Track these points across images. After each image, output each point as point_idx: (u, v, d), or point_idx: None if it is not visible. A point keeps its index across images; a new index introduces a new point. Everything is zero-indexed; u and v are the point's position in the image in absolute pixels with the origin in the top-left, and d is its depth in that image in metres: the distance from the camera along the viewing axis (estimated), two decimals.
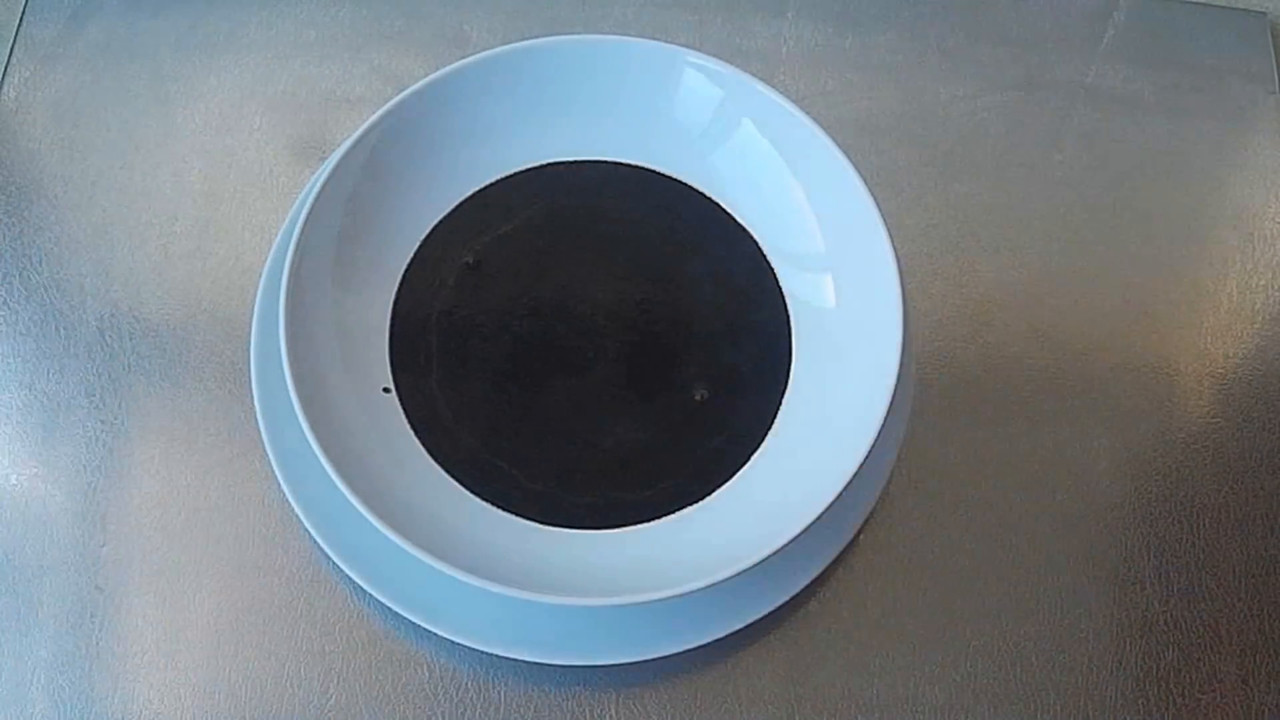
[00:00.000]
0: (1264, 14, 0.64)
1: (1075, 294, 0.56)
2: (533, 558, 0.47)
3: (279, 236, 0.53)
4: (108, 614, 0.49)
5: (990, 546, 0.52)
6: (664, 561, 0.47)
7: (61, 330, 0.54)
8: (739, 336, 0.52)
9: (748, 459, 0.49)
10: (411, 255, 0.52)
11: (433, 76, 0.52)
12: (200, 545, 0.50)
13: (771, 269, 0.53)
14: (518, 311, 0.52)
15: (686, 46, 0.53)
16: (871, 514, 0.50)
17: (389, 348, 0.51)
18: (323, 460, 0.45)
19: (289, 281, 0.48)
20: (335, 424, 0.47)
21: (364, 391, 0.49)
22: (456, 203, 0.53)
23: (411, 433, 0.49)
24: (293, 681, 0.48)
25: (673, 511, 0.49)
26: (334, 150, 0.52)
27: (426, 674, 0.49)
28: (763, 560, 0.44)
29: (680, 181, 0.54)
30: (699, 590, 0.44)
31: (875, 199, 0.50)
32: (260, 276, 0.52)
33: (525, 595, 0.44)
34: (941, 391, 0.54)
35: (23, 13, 0.60)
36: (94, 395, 0.53)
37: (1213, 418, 0.55)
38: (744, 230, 0.53)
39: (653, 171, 0.54)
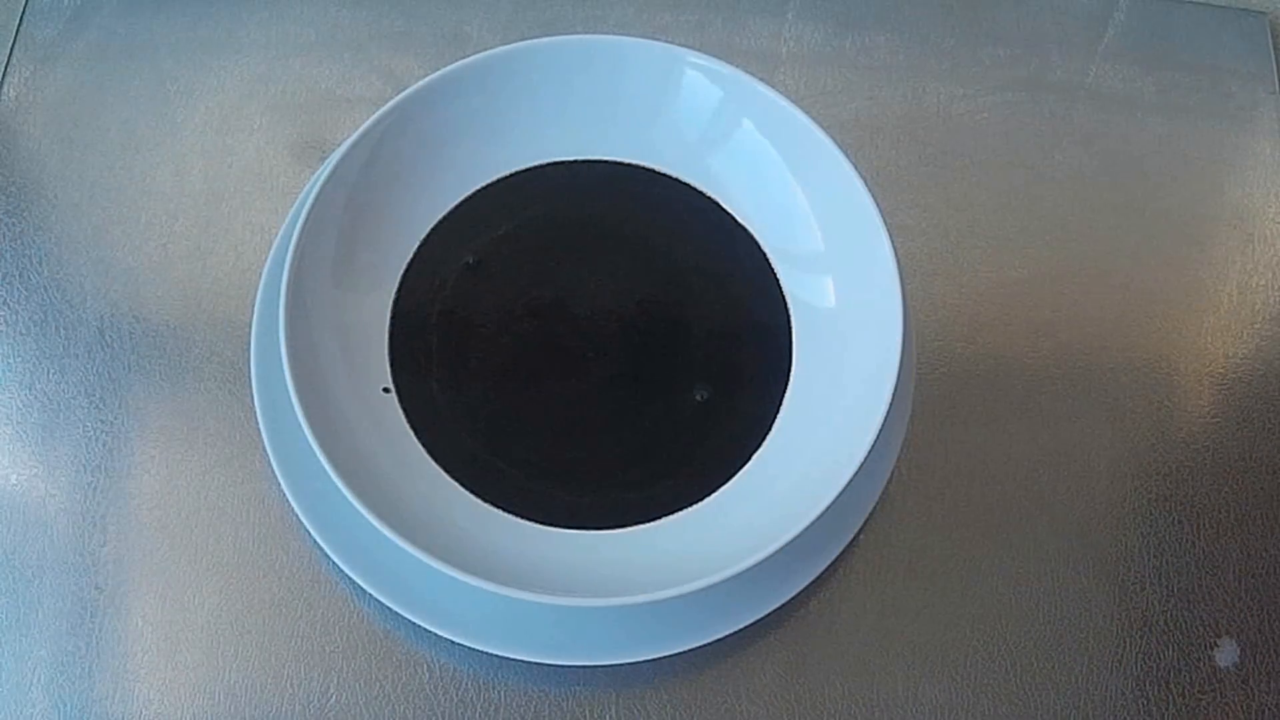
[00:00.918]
0: (1264, 14, 0.64)
1: (1075, 294, 0.56)
2: (533, 558, 0.47)
3: (279, 236, 0.53)
4: (108, 614, 0.49)
5: (990, 546, 0.52)
6: (664, 562, 0.47)
7: (61, 330, 0.54)
8: (739, 336, 0.52)
9: (748, 459, 0.49)
10: (411, 255, 0.52)
11: (433, 76, 0.52)
12: (200, 545, 0.50)
13: (771, 269, 0.53)
14: (518, 311, 0.52)
15: (686, 46, 0.53)
16: (871, 514, 0.50)
17: (389, 348, 0.51)
18: (323, 460, 0.45)
19: (289, 281, 0.48)
20: (335, 424, 0.47)
21: (364, 391, 0.49)
22: (456, 203, 0.53)
23: (411, 433, 0.49)
24: (293, 681, 0.48)
25: (673, 512, 0.49)
26: (334, 150, 0.52)
27: (426, 674, 0.49)
28: (763, 560, 0.44)
29: (680, 181, 0.54)
30: (699, 590, 0.44)
31: (875, 199, 0.50)
32: (260, 276, 0.52)
33: (525, 596, 0.44)
34: (941, 391, 0.54)
35: (23, 13, 0.60)
36: (94, 395, 0.53)
37: (1213, 418, 0.55)
38: (744, 230, 0.53)
39: (653, 171, 0.54)
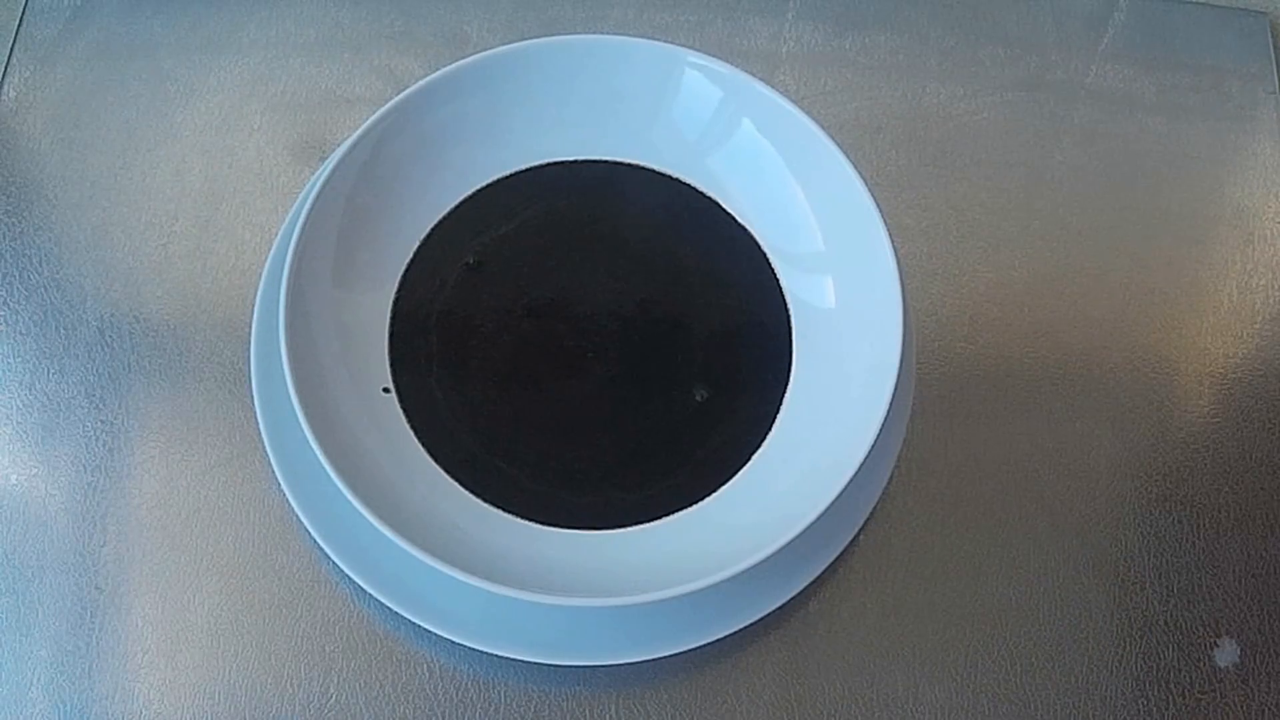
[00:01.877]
0: (1264, 14, 0.64)
1: (1075, 294, 0.56)
2: (532, 558, 0.47)
3: (279, 236, 0.53)
4: (108, 614, 0.49)
5: (990, 546, 0.52)
6: (664, 562, 0.47)
7: (61, 330, 0.54)
8: (739, 336, 0.52)
9: (748, 459, 0.49)
10: (411, 255, 0.52)
11: (433, 76, 0.52)
12: (200, 545, 0.50)
13: (771, 269, 0.53)
14: (518, 311, 0.52)
15: (686, 46, 0.53)
16: (871, 514, 0.50)
17: (389, 348, 0.51)
18: (322, 460, 0.45)
19: (289, 281, 0.48)
20: (335, 424, 0.47)
21: (364, 391, 0.49)
22: (456, 203, 0.53)
23: (411, 433, 0.49)
24: (293, 681, 0.48)
25: (673, 512, 0.49)
26: (334, 150, 0.52)
27: (426, 674, 0.49)
28: (763, 560, 0.44)
29: (680, 181, 0.54)
30: (699, 590, 0.44)
31: (875, 199, 0.50)
32: (260, 276, 0.52)
33: (526, 596, 0.44)
34: (941, 391, 0.54)
35: (23, 13, 0.60)
36: (94, 395, 0.53)
37: (1213, 417, 0.55)
38: (744, 230, 0.53)
39: (653, 171, 0.54)
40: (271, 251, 0.52)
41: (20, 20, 0.60)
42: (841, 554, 0.49)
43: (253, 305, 0.51)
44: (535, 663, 0.48)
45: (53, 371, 0.53)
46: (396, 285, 0.52)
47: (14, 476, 0.51)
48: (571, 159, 0.54)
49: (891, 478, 0.51)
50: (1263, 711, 0.49)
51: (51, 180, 0.57)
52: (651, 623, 0.48)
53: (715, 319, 0.52)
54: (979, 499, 0.52)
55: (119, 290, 0.55)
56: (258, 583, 0.50)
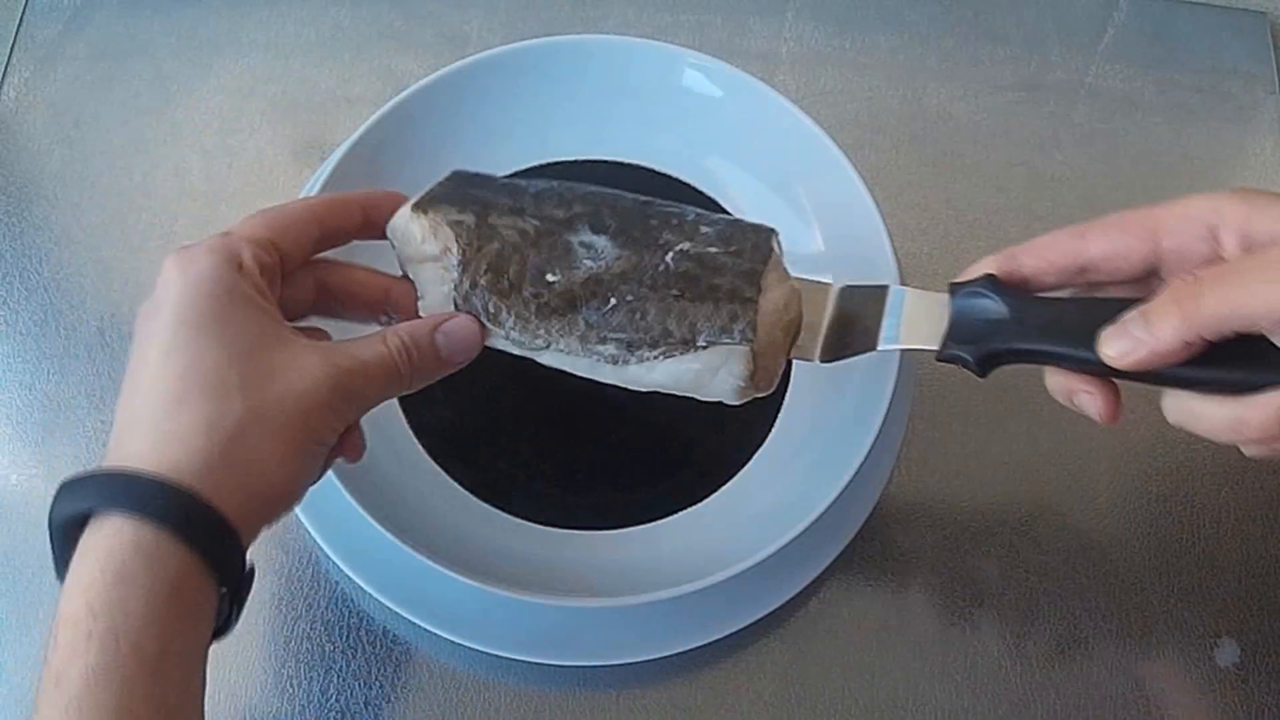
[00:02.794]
0: (1264, 14, 0.64)
1: None
2: (533, 558, 0.47)
3: None
4: None
5: (990, 546, 0.52)
6: (664, 562, 0.47)
7: (61, 330, 0.54)
8: None
9: (748, 459, 0.49)
10: None
11: (433, 76, 0.52)
12: None
13: None
14: None
15: (686, 46, 0.53)
16: (871, 514, 0.50)
17: None
18: None
19: None
20: None
21: None
22: None
23: (412, 433, 0.49)
24: (293, 681, 0.48)
25: (673, 512, 0.49)
26: (334, 150, 0.52)
27: (426, 674, 0.49)
28: (763, 560, 0.44)
29: (680, 181, 0.54)
30: (699, 590, 0.44)
31: (875, 199, 0.50)
32: None
33: (526, 596, 0.44)
34: (941, 391, 0.54)
35: (23, 13, 0.60)
36: (94, 395, 0.53)
37: None
38: None
39: (653, 171, 0.54)
40: None
41: (20, 20, 0.60)
42: (841, 554, 0.49)
43: None
44: (535, 663, 0.48)
45: (53, 371, 0.53)
46: None
47: (14, 476, 0.51)
48: (571, 159, 0.54)
49: (891, 478, 0.51)
50: (1263, 711, 0.49)
51: (51, 180, 0.57)
52: (651, 623, 0.48)
53: None
54: (979, 499, 0.52)
55: (119, 290, 0.55)
56: (258, 583, 0.49)
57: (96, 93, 0.59)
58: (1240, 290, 0.34)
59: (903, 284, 0.48)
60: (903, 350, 0.42)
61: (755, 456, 0.49)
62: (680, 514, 0.49)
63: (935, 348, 0.40)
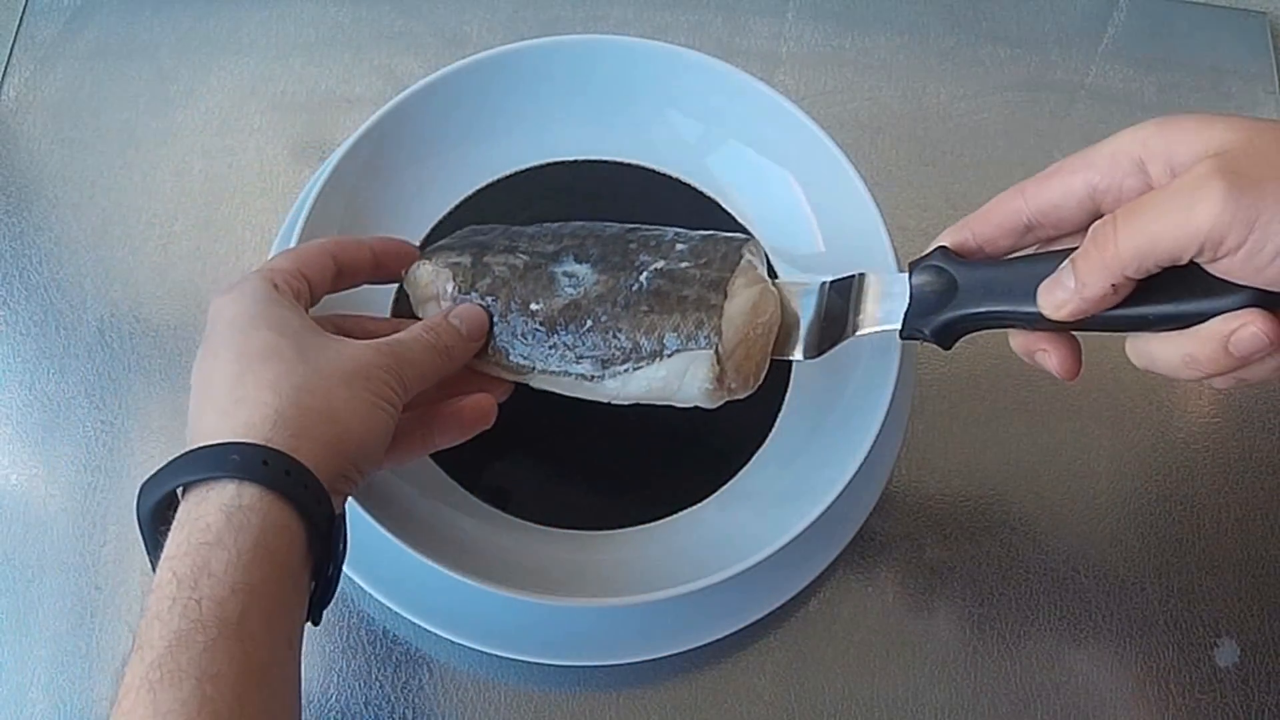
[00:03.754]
0: (1264, 14, 0.64)
1: None
2: (533, 558, 0.47)
3: (279, 237, 0.53)
4: (108, 614, 0.49)
5: (990, 546, 0.52)
6: (664, 562, 0.47)
7: (61, 330, 0.54)
8: None
9: (748, 459, 0.49)
10: None
11: (433, 76, 0.52)
12: None
13: (772, 269, 0.53)
14: None
15: (686, 46, 0.53)
16: (871, 514, 0.50)
17: None
18: None
19: None
20: None
21: None
22: (456, 203, 0.53)
23: None
24: None
25: (673, 511, 0.49)
26: (334, 150, 0.52)
27: (426, 674, 0.49)
28: (763, 560, 0.44)
29: (680, 181, 0.54)
30: (699, 590, 0.44)
31: (875, 199, 0.50)
32: None
33: (526, 596, 0.44)
34: (941, 391, 0.54)
35: (23, 13, 0.60)
36: (94, 395, 0.53)
37: (1213, 418, 0.55)
38: (744, 230, 0.53)
39: (653, 171, 0.54)
40: (271, 252, 0.52)
41: (20, 20, 0.60)
42: (841, 554, 0.49)
43: None
44: (535, 663, 0.48)
45: (53, 371, 0.53)
46: (397, 285, 0.52)
47: (14, 476, 0.51)
48: (571, 159, 0.54)
49: (891, 478, 0.51)
50: (1263, 711, 0.49)
51: (51, 180, 0.57)
52: (651, 623, 0.48)
53: None
54: (979, 499, 0.52)
55: (119, 290, 0.55)
56: None
57: (96, 93, 0.59)
58: (1151, 222, 0.33)
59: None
60: (871, 334, 0.42)
61: (755, 457, 0.49)
62: (680, 514, 0.49)
63: (897, 327, 0.41)
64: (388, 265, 0.45)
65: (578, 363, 0.43)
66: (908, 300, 0.40)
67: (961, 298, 0.39)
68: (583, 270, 0.44)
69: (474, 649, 0.47)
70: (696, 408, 0.43)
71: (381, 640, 0.49)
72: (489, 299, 0.44)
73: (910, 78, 0.61)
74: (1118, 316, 0.35)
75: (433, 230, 0.53)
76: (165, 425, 0.52)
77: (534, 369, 0.44)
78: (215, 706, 0.31)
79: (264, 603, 0.34)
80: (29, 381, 0.53)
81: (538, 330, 0.44)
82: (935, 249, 0.40)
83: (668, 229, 0.46)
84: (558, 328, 0.43)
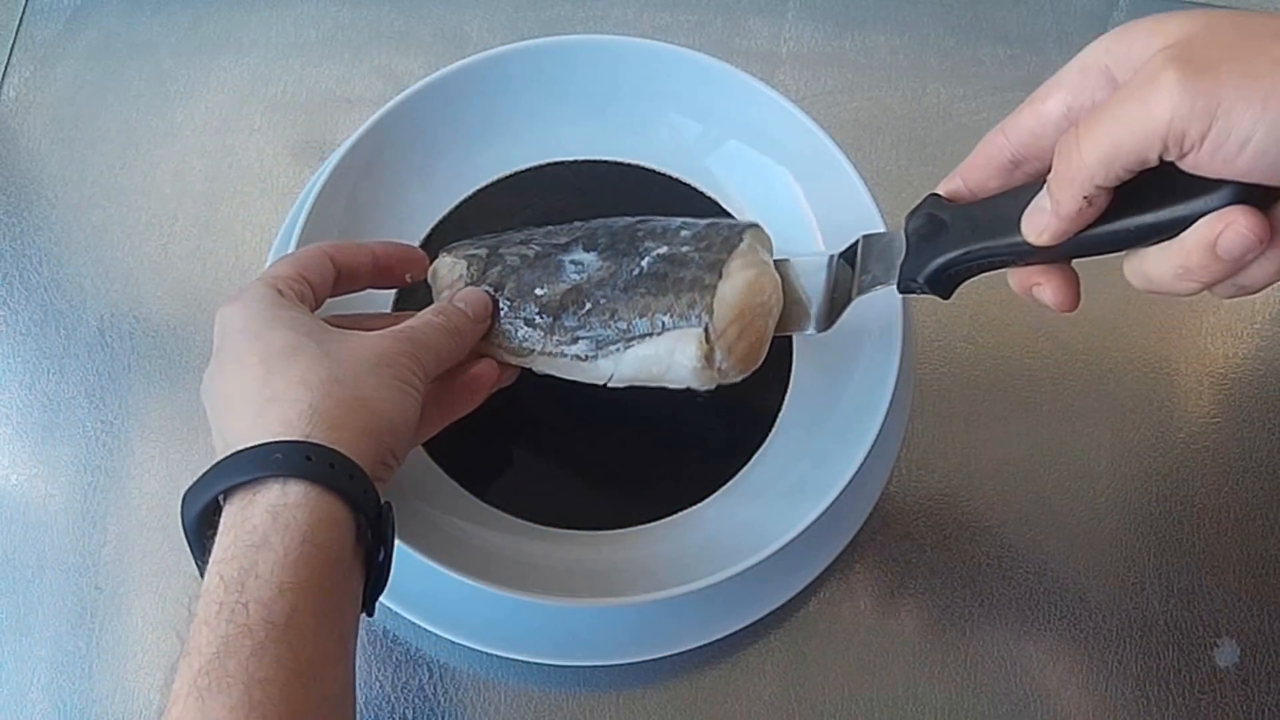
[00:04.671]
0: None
1: None
2: (533, 558, 0.47)
3: (279, 237, 0.53)
4: (108, 614, 0.49)
5: (990, 546, 0.52)
6: (664, 562, 0.47)
7: (61, 330, 0.54)
8: None
9: (748, 459, 0.49)
10: None
11: (433, 76, 0.52)
12: None
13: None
14: None
15: (686, 46, 0.53)
16: (871, 514, 0.50)
17: None
18: None
19: None
20: None
21: None
22: (456, 203, 0.53)
23: None
24: None
25: (673, 512, 0.49)
26: (334, 150, 0.52)
27: (426, 674, 0.49)
28: (763, 560, 0.44)
29: (680, 181, 0.54)
30: (699, 590, 0.44)
31: (875, 199, 0.50)
32: None
33: (527, 596, 0.44)
34: (941, 391, 0.54)
35: (23, 13, 0.60)
36: (94, 395, 0.53)
37: (1213, 418, 0.55)
38: None
39: (653, 171, 0.54)
40: (271, 252, 0.52)
41: (20, 20, 0.60)
42: (841, 554, 0.49)
43: None
44: (535, 663, 0.48)
45: (53, 371, 0.53)
46: (396, 290, 0.52)
47: (14, 476, 0.51)
48: (571, 159, 0.54)
49: (891, 478, 0.51)
50: (1263, 711, 0.49)
51: (51, 180, 0.57)
52: (651, 623, 0.48)
53: None
54: (979, 499, 0.52)
55: (119, 290, 0.55)
56: None
57: (96, 93, 0.59)
58: (1110, 125, 0.32)
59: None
60: (871, 295, 0.42)
61: (755, 457, 0.49)
62: (680, 514, 0.49)
63: (894, 284, 0.40)
64: (390, 269, 0.45)
65: (574, 344, 0.44)
66: (903, 255, 0.40)
67: (951, 238, 0.38)
68: (589, 258, 0.45)
69: (474, 649, 0.47)
70: (699, 400, 0.43)
71: (381, 640, 0.49)
72: (498, 286, 0.45)
73: (910, 78, 0.61)
74: (1102, 234, 0.34)
75: (433, 230, 0.53)
76: (165, 425, 0.52)
77: (535, 351, 0.45)
78: (264, 711, 0.31)
79: (313, 599, 0.33)
80: (29, 381, 0.53)
81: (541, 314, 0.44)
82: (927, 197, 0.39)
83: (676, 219, 0.46)
84: (560, 311, 0.44)
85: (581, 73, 0.53)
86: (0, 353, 0.53)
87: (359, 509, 0.35)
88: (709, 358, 0.42)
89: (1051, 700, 0.49)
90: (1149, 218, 0.33)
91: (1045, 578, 0.51)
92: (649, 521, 0.48)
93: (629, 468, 0.50)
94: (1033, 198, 0.35)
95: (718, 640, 0.48)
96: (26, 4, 0.61)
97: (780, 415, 0.50)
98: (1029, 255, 0.37)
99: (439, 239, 0.52)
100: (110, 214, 0.56)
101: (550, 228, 0.48)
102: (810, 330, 0.44)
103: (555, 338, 0.44)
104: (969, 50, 0.62)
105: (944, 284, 0.39)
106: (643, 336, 0.43)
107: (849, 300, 0.43)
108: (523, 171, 0.54)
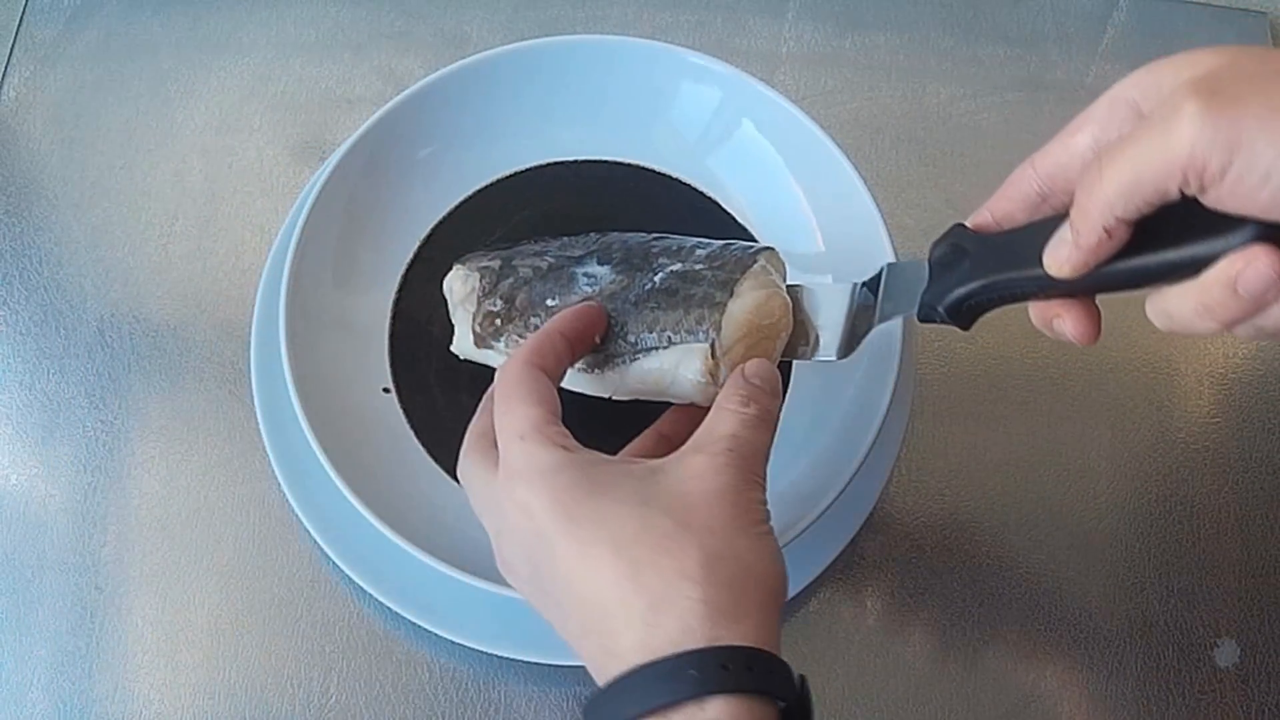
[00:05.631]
0: (1264, 14, 0.64)
1: None
2: None
3: (279, 236, 0.53)
4: (108, 614, 0.49)
5: (990, 547, 0.52)
6: None
7: (61, 330, 0.54)
8: None
9: None
10: (411, 255, 0.52)
11: (433, 76, 0.52)
12: (200, 545, 0.50)
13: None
14: None
15: (686, 46, 0.53)
16: (871, 514, 0.50)
17: (389, 348, 0.51)
18: (322, 459, 0.45)
19: (289, 281, 0.48)
20: (335, 424, 0.47)
21: (364, 391, 0.49)
22: (456, 203, 0.53)
23: (411, 433, 0.49)
24: (293, 681, 0.48)
25: None
26: (334, 150, 0.52)
27: (426, 674, 0.49)
28: None
29: (680, 181, 0.54)
30: None
31: (875, 199, 0.50)
32: (260, 276, 0.52)
33: None
34: (941, 391, 0.54)
35: (23, 13, 0.60)
36: (94, 395, 0.53)
37: (1213, 418, 0.55)
38: (744, 230, 0.53)
39: (653, 171, 0.54)
40: (271, 252, 0.52)
41: (20, 20, 0.60)
42: (841, 554, 0.49)
43: (253, 305, 0.51)
44: (535, 663, 0.48)
45: (53, 371, 0.53)
46: (397, 285, 0.52)
47: (14, 476, 0.51)
48: (571, 159, 0.54)
49: (891, 478, 0.51)
50: (1263, 711, 0.49)
51: (51, 180, 0.57)
52: None
53: None
54: (979, 499, 0.52)
55: (119, 290, 0.55)
56: (258, 583, 0.50)
57: (96, 93, 0.59)
58: (1131, 155, 0.31)
59: None
60: (892, 321, 0.42)
61: None
62: None
63: (913, 311, 0.40)
64: (585, 338, 0.42)
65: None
66: (925, 284, 0.40)
67: (973, 269, 0.38)
68: (602, 271, 0.45)
69: (474, 649, 0.47)
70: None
71: (381, 640, 0.49)
72: (510, 298, 0.45)
73: (910, 78, 0.61)
74: (1123, 270, 0.34)
75: (433, 230, 0.53)
76: (165, 425, 0.52)
77: None
78: None
79: None
80: (29, 381, 0.53)
81: None
82: (953, 227, 0.39)
83: (691, 238, 0.46)
84: None
85: (581, 73, 0.53)
86: (0, 353, 0.53)
87: (782, 698, 0.33)
88: (713, 374, 0.42)
89: (1051, 700, 0.49)
90: (1170, 255, 0.33)
91: (1045, 577, 0.51)
92: None
93: None
94: (1054, 229, 0.35)
95: None
96: (26, 4, 0.61)
97: (780, 416, 0.50)
98: (1050, 288, 0.36)
99: (439, 239, 0.52)
100: (110, 214, 0.56)
101: (566, 239, 0.48)
102: (829, 357, 0.43)
103: None
104: (969, 50, 0.62)
105: (964, 314, 0.39)
106: (649, 350, 0.43)
107: (870, 328, 0.42)
108: (523, 171, 0.54)
